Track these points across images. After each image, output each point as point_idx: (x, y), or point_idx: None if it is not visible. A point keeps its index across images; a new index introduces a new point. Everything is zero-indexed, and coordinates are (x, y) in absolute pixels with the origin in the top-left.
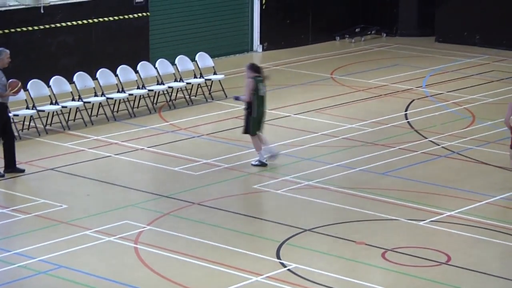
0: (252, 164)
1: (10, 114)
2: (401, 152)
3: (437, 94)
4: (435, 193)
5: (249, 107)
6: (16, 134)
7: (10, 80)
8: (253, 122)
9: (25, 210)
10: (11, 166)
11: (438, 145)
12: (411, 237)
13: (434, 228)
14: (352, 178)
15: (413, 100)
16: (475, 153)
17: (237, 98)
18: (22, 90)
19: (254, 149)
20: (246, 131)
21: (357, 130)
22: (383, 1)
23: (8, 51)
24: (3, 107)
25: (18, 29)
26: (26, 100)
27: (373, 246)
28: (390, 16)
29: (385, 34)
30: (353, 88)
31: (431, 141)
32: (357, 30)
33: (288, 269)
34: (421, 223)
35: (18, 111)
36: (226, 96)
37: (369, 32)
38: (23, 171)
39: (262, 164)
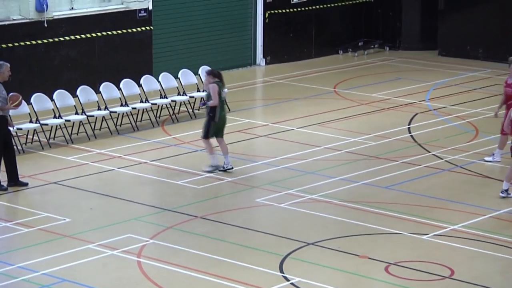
0: (205, 171)
1: (13, 128)
2: (404, 166)
3: (440, 108)
4: (439, 207)
5: (211, 111)
6: (19, 147)
7: (11, 94)
8: (214, 127)
9: (28, 223)
10: (14, 180)
11: (442, 159)
12: (414, 251)
13: (437, 242)
14: (355, 192)
15: (416, 114)
16: (479, 167)
17: (204, 104)
18: (24, 103)
19: (256, 163)
20: (205, 135)
21: (360, 144)
22: (386, 15)
23: (8, 64)
24: (3, 120)
25: (22, 43)
26: (29, 113)
27: (377, 260)
28: (393, 30)
29: (388, 48)
30: (356, 102)
31: (434, 155)
32: (360, 44)
33: (291, 283)
34: (425, 237)
35: (22, 125)
36: (229, 110)
37: (372, 46)
38: (26, 184)
39: (216, 168)
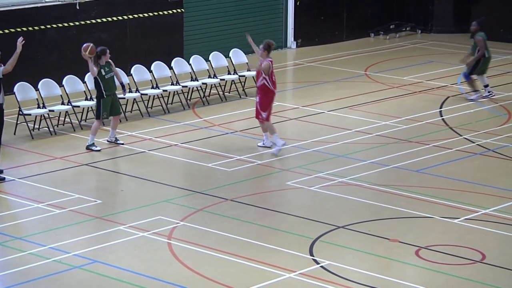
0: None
1: (48, 109)
2: (436, 150)
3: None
4: (470, 191)
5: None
6: (51, 129)
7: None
8: (105, 105)
9: (60, 205)
10: None
11: (473, 142)
12: (445, 235)
13: (468, 226)
14: (385, 176)
15: (448, 97)
16: (511, 151)
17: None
18: (56, 85)
19: (287, 146)
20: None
21: (391, 127)
22: None
23: None
24: (1, 109)
25: (54, 25)
26: (61, 95)
27: (407, 243)
28: (425, 12)
29: (420, 31)
30: (387, 85)
31: (466, 138)
32: (391, 26)
33: (321, 266)
34: (456, 221)
35: (54, 107)
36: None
37: (403, 29)
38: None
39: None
